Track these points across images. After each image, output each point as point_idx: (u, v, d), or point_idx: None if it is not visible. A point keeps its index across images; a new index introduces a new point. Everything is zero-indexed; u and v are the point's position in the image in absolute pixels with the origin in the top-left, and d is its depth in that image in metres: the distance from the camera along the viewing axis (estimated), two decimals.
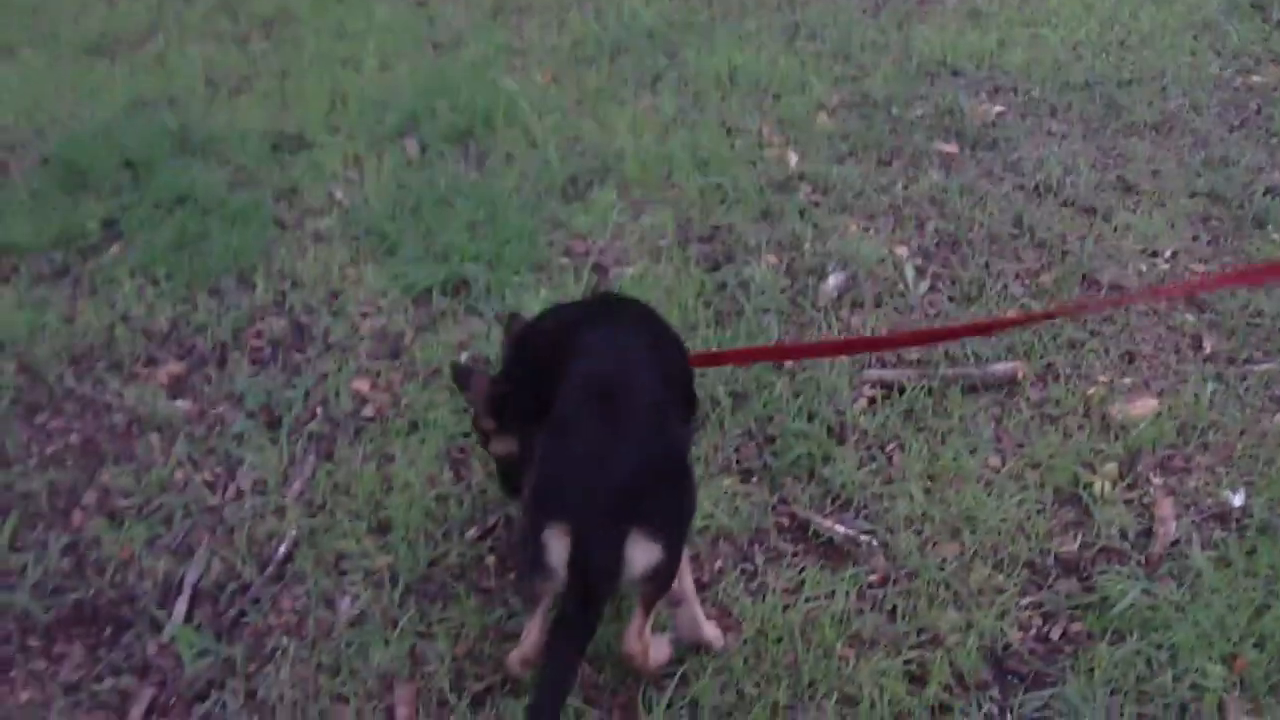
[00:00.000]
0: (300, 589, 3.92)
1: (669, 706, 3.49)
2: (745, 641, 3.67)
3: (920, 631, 3.70)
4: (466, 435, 4.43)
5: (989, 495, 4.14)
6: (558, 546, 3.02)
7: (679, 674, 3.56)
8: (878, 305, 5.09)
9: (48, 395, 4.74)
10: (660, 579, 3.18)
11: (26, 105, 7.09)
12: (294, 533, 4.10)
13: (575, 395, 3.27)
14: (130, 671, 3.73)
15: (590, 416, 3.21)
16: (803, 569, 3.92)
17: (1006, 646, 3.66)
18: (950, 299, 5.16)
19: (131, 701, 3.64)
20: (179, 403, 4.68)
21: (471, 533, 4.09)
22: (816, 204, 5.78)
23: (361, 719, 3.52)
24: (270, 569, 4.00)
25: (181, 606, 3.89)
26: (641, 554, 3.05)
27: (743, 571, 3.94)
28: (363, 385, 4.73)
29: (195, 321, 5.10)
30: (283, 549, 4.05)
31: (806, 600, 3.80)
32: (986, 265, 5.35)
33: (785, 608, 3.77)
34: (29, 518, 4.19)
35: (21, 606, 3.84)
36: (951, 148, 6.36)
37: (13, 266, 5.57)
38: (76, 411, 4.69)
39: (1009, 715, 3.45)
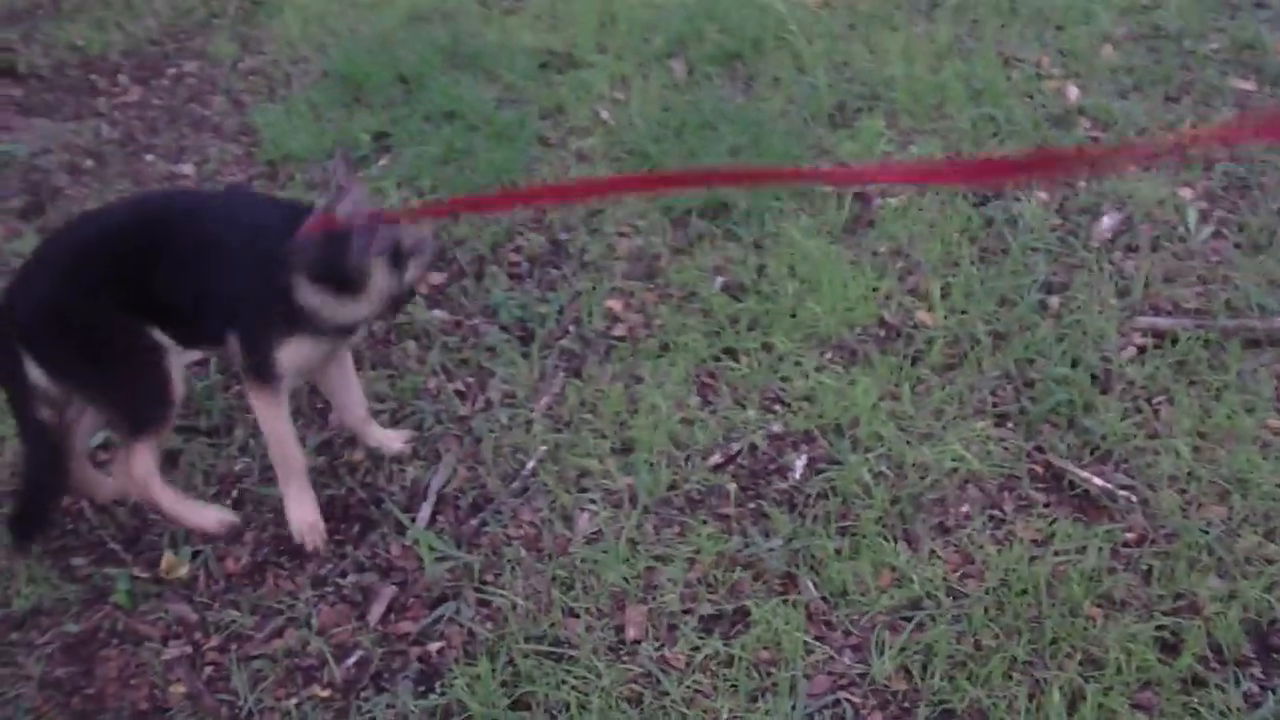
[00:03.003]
0: (541, 503, 3.94)
1: (901, 650, 3.39)
2: (987, 591, 3.54)
3: (1177, 597, 3.50)
4: (718, 360, 4.38)
5: (1264, 458, 3.88)
6: None
7: (915, 619, 3.45)
8: (1154, 249, 4.81)
9: None
10: None
11: (312, 21, 7.27)
12: (541, 448, 4.11)
13: None
14: (374, 570, 3.81)
15: None
16: (1054, 520, 3.75)
17: (1273, 621, 3.43)
18: (1236, 246, 4.84)
19: (373, 599, 3.72)
20: (436, 313, 4.75)
21: (714, 458, 4.04)
22: (1095, 140, 5.49)
23: (591, 634, 3.51)
24: (515, 482, 4.02)
25: (426, 511, 3.95)
26: None
27: (990, 518, 3.80)
28: (616, 304, 4.71)
29: (456, 234, 5.15)
30: (529, 463, 4.06)
31: (1055, 554, 3.64)
32: (1279, 212, 5.00)
33: (1032, 559, 3.62)
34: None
35: (277, 498, 3.93)
36: (1249, 84, 5.96)
37: (290, 174, 5.73)
38: None
39: (1272, 696, 3.23)
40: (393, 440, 4.13)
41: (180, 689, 3.50)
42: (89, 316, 3.57)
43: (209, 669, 3.55)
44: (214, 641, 3.61)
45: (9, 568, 3.85)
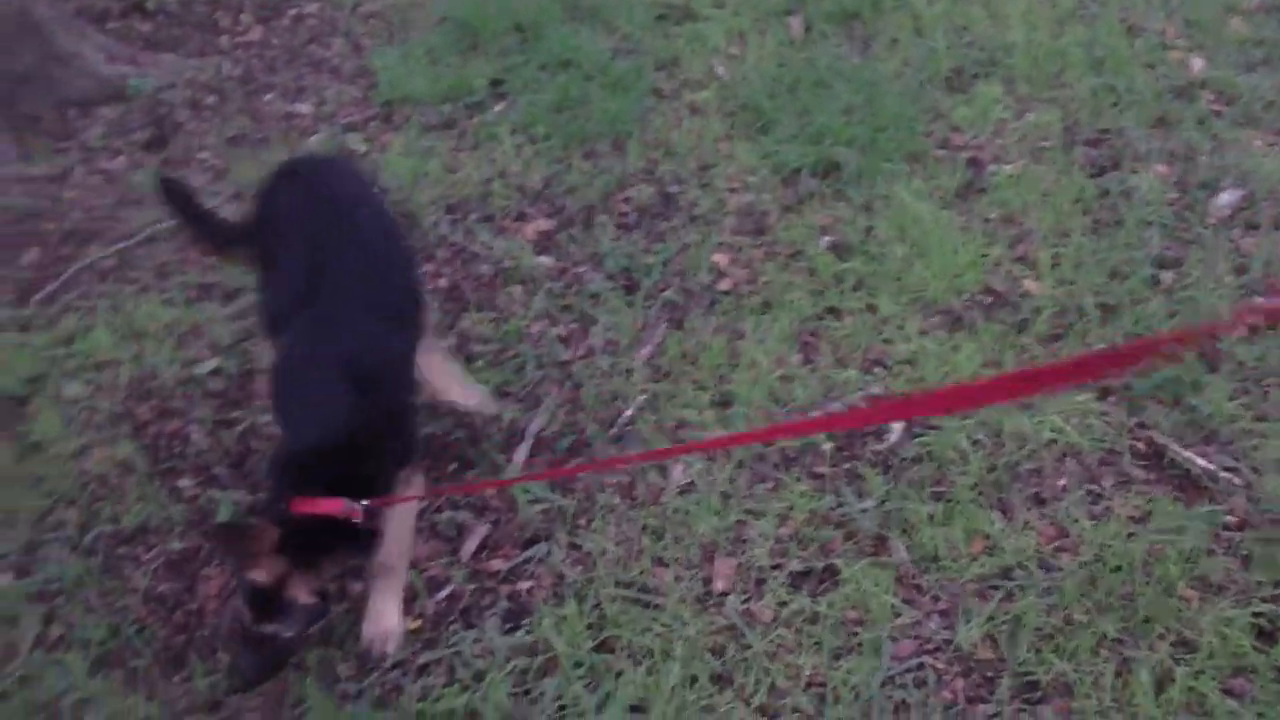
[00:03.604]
0: (634, 451, 3.95)
1: (989, 619, 3.37)
2: (1080, 565, 3.50)
3: (1277, 584, 3.43)
4: (820, 319, 4.37)
5: None
6: None
7: (1005, 589, 3.44)
8: (1276, 228, 4.69)
9: (423, 239, 4.92)
10: None
11: None
12: (640, 396, 4.13)
13: None
14: (468, 508, 3.87)
15: None
16: (1152, 499, 3.70)
17: None
18: None
19: (466, 536, 3.80)
20: (543, 259, 4.78)
21: (814, 415, 4.03)
22: (1218, 114, 5.35)
23: (679, 584, 3.54)
24: (612, 429, 4.05)
25: (522, 453, 3.98)
26: None
27: (1087, 492, 3.75)
28: (722, 259, 4.71)
29: (567, 182, 5.18)
30: (628, 411, 4.09)
31: (1152, 532, 3.59)
32: None
33: (1129, 536, 3.58)
34: None
35: None
36: None
37: (406, 117, 5.79)
38: (448, 258, 4.85)
39: None
40: (471, 397, 4.14)
41: None
42: None
43: None
44: None
45: (120, 485, 3.96)
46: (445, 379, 4.02)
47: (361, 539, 3.24)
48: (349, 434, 3.31)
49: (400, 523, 3.54)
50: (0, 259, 5.21)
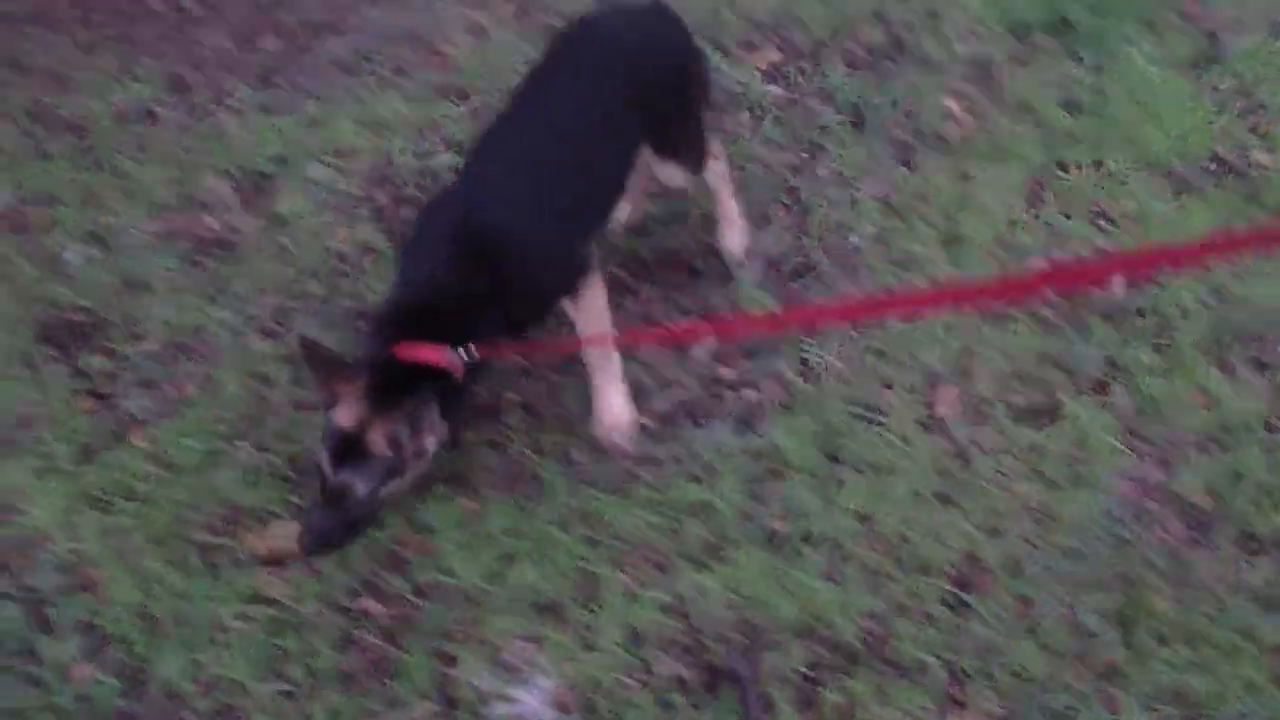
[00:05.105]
0: (864, 279, 4.08)
1: (1209, 469, 3.46)
2: None
3: None
4: (1048, 170, 4.40)
5: None
6: None
7: (1223, 443, 3.51)
8: None
9: None
10: None
11: None
12: (868, 228, 4.22)
13: None
14: (698, 315, 3.99)
15: None
16: None
17: None
18: None
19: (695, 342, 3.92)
20: (772, 87, 4.85)
21: (1039, 262, 4.09)
22: None
23: (903, 406, 3.67)
24: (838, 255, 4.15)
25: (753, 270, 4.10)
26: None
27: None
28: (951, 104, 4.75)
29: (796, 15, 5.21)
30: (854, 240, 4.19)
31: None
32: None
33: None
34: None
35: (627, 249, 4.20)
36: None
37: None
38: None
39: None
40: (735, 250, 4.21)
41: (514, 397, 3.78)
42: None
43: (541, 382, 3.84)
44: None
45: (360, 263, 4.16)
46: (725, 218, 4.13)
47: (456, 395, 3.26)
48: (460, 284, 3.30)
49: (588, 316, 3.59)
50: (243, 44, 5.39)
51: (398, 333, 3.23)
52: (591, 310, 3.58)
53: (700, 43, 4.81)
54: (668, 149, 3.81)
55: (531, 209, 3.37)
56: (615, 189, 3.72)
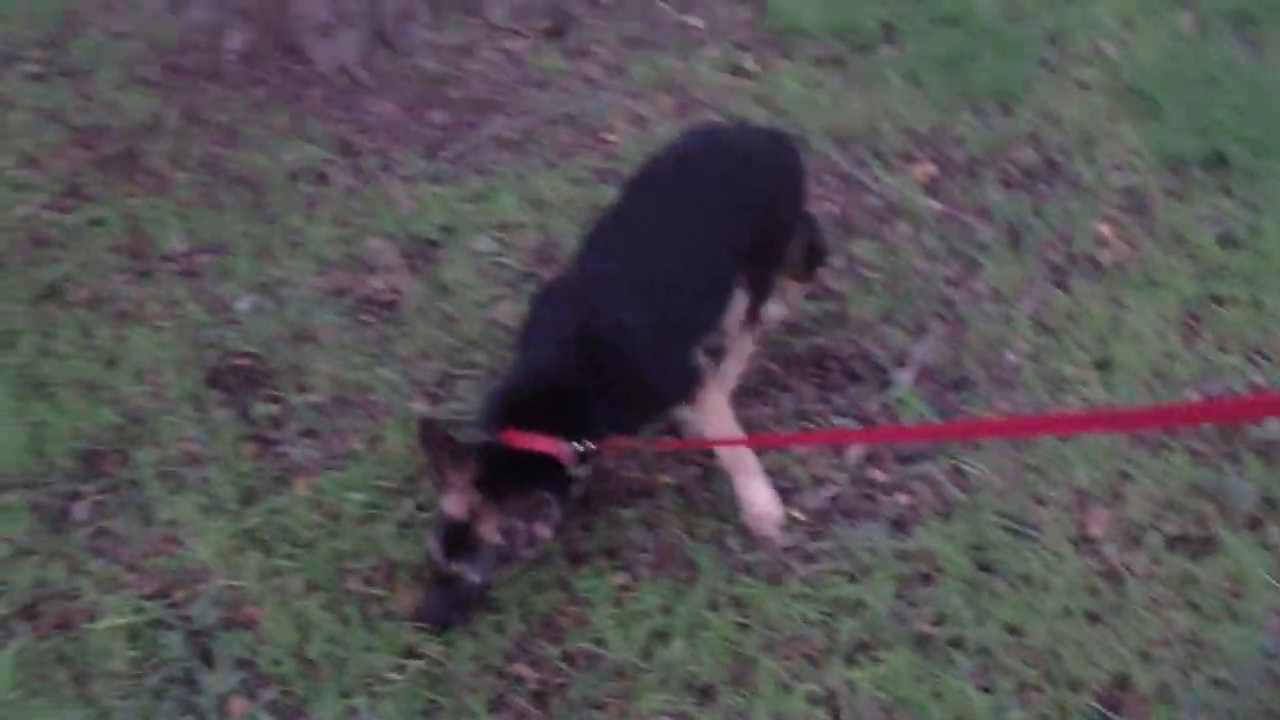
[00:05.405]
0: (1019, 396, 4.13)
1: None
2: None
3: None
4: (1202, 303, 4.45)
5: None
6: None
7: None
8: None
9: (814, 164, 5.13)
10: None
11: None
12: (1023, 346, 4.28)
13: None
14: (852, 417, 4.07)
15: None
16: None
17: None
18: None
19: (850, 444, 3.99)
20: (930, 201, 4.94)
21: (1191, 394, 4.12)
22: None
23: (1056, 523, 3.71)
24: (994, 371, 4.21)
25: (908, 376, 4.17)
26: None
27: None
28: (1105, 230, 4.81)
29: (953, 133, 5.32)
30: (1010, 356, 4.24)
31: None
32: None
33: None
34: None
35: (775, 340, 4.31)
36: None
37: (794, 45, 5.98)
38: (837, 185, 5.06)
39: None
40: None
41: (668, 479, 3.86)
42: None
43: (696, 467, 3.91)
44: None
45: None
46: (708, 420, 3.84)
47: (567, 485, 3.27)
48: (577, 379, 3.33)
49: (710, 419, 3.64)
50: (411, 116, 5.58)
51: (510, 420, 3.28)
52: (714, 413, 3.64)
53: (859, 150, 4.95)
54: (749, 282, 3.87)
55: (648, 314, 3.43)
56: (721, 304, 3.80)
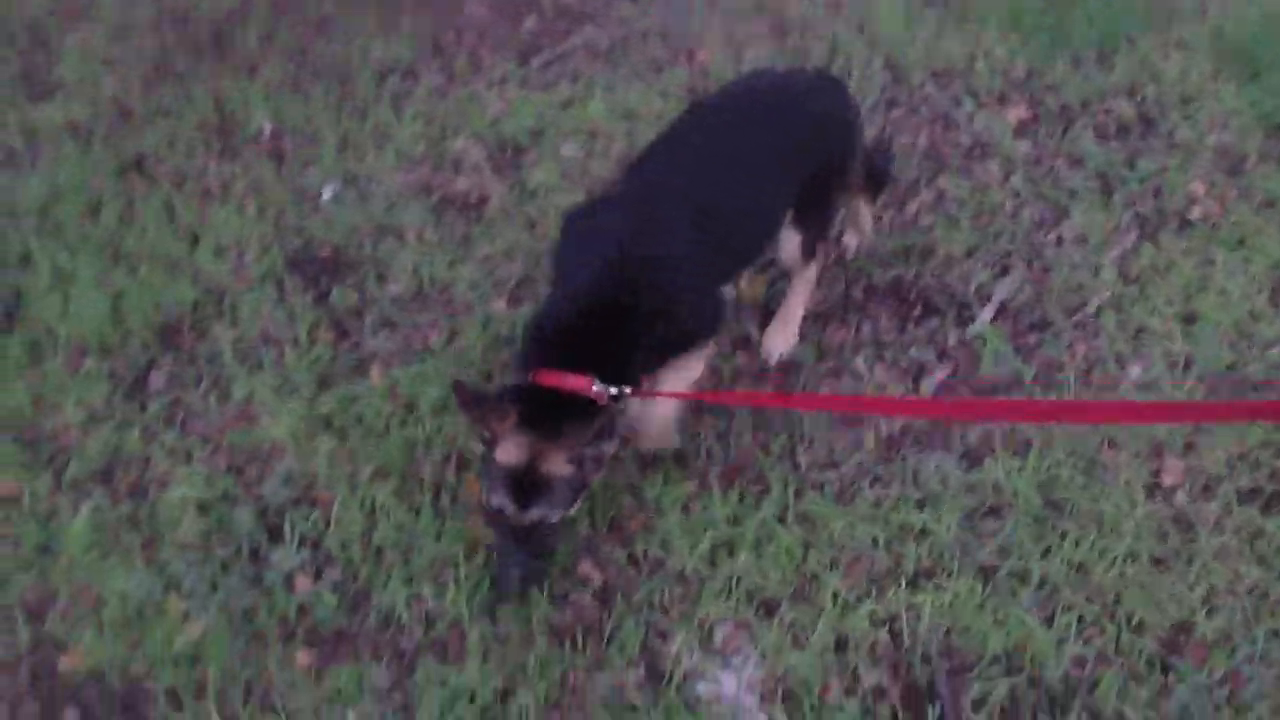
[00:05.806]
0: (1099, 343, 4.09)
1: None
2: None
3: None
4: None
5: None
6: None
7: None
8: None
9: (907, 96, 5.08)
10: None
11: None
12: (1106, 293, 4.24)
13: None
14: (931, 350, 4.05)
15: None
16: None
17: None
18: None
19: (926, 374, 4.00)
20: (1021, 144, 4.88)
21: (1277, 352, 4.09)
22: None
23: (1129, 468, 3.70)
24: (1075, 315, 4.17)
25: (987, 314, 4.15)
26: None
27: None
28: (1197, 189, 4.74)
29: (1049, 79, 5.25)
30: (1092, 302, 4.20)
31: None
32: None
33: None
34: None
35: (857, 267, 4.29)
36: None
37: None
38: (930, 119, 5.01)
39: None
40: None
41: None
42: None
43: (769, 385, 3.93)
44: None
45: None
46: (782, 314, 4.10)
47: (603, 421, 3.17)
48: (611, 310, 3.25)
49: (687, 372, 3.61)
50: (503, 20, 5.56)
51: (543, 359, 3.21)
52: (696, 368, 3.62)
53: (954, 87, 4.91)
54: (801, 219, 3.79)
55: (687, 248, 3.39)
56: (761, 243, 3.77)
